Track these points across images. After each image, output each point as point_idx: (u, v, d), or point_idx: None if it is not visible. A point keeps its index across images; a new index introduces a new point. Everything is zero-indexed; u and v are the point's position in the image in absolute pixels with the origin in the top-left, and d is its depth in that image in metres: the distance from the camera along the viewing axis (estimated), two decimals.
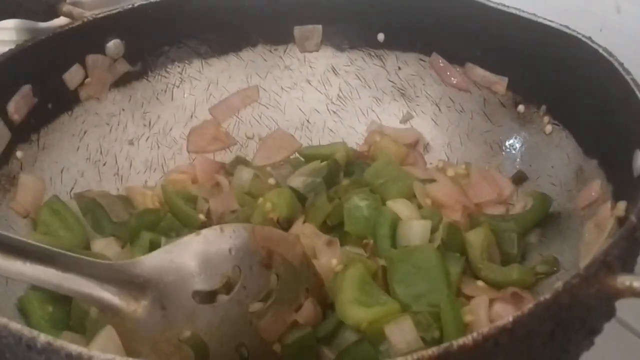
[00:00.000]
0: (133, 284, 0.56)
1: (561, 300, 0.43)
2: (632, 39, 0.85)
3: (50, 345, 0.41)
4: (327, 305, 0.64)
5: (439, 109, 0.83)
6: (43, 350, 0.41)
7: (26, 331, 0.42)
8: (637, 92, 0.59)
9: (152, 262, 0.58)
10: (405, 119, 0.85)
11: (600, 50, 0.64)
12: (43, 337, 0.42)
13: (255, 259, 0.62)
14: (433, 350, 0.40)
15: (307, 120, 0.87)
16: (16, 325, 0.43)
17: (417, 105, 0.85)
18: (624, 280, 0.44)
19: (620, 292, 0.44)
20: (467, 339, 0.41)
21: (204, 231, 0.61)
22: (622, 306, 0.48)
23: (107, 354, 0.41)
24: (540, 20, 0.71)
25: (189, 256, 0.59)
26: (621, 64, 0.62)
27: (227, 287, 0.61)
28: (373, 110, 0.87)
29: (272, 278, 0.62)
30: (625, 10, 0.88)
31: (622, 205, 0.56)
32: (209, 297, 0.60)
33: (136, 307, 0.56)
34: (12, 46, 0.74)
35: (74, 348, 0.41)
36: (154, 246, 0.70)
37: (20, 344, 0.42)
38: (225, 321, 0.59)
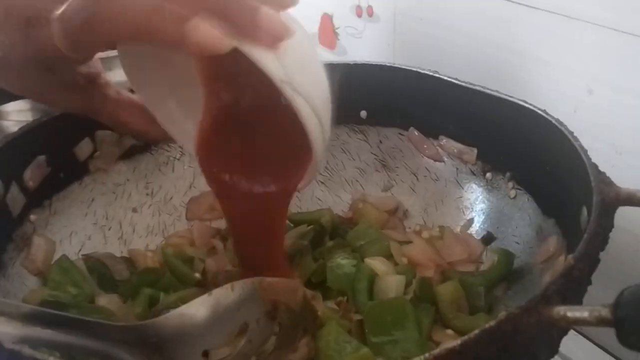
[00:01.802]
0: (146, 344, 0.58)
1: (504, 328, 0.49)
2: (603, 118, 0.92)
3: None
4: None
5: (417, 178, 0.90)
6: None
7: (38, 356, 0.49)
8: (583, 156, 0.65)
9: (165, 323, 0.60)
10: (386, 188, 0.92)
11: (554, 121, 0.71)
12: None
13: (261, 312, 0.65)
14: None
15: (297, 190, 0.94)
16: (29, 351, 0.49)
17: (397, 175, 0.92)
18: (559, 311, 0.50)
19: (556, 321, 0.50)
20: (419, 359, 0.47)
21: (216, 291, 0.63)
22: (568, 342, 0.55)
23: None
24: (501, 96, 0.78)
25: (201, 317, 0.61)
26: (571, 133, 0.69)
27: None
28: (357, 180, 0.94)
29: (275, 327, 0.66)
30: (596, 93, 0.94)
31: (570, 257, 0.62)
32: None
33: None
34: None
35: None
36: (153, 301, 0.76)
37: None
38: None
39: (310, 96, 0.57)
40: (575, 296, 0.56)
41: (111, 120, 0.72)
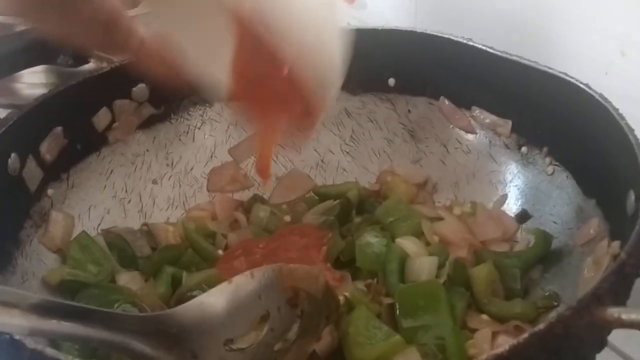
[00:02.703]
0: (166, 335, 0.56)
1: (555, 331, 0.47)
2: (636, 81, 0.88)
3: None
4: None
5: (447, 150, 0.87)
6: None
7: (61, 356, 0.46)
8: (630, 136, 0.62)
9: (185, 313, 0.58)
10: (415, 160, 0.89)
11: (597, 97, 0.68)
12: None
13: (282, 299, 0.63)
14: None
15: (322, 161, 0.91)
16: (52, 351, 0.47)
17: (426, 146, 0.88)
18: (613, 313, 0.47)
19: (609, 323, 0.48)
20: None
21: (236, 279, 0.61)
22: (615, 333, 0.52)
23: None
24: (540, 67, 0.74)
25: (221, 306, 0.59)
26: (616, 110, 0.65)
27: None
28: (384, 151, 0.90)
29: (296, 315, 0.64)
30: (629, 55, 0.91)
31: (616, 244, 0.59)
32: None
33: (168, 358, 0.55)
34: (43, 90, 0.78)
35: None
36: (175, 280, 0.74)
37: None
38: None
39: None
40: (625, 292, 0.53)
41: (136, 56, 0.69)
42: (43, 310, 0.50)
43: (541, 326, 0.46)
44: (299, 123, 0.67)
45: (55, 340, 0.65)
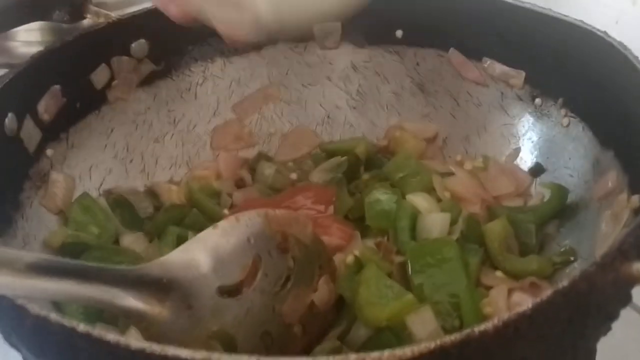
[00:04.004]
0: (156, 286, 0.55)
1: (578, 288, 0.45)
2: None
3: (90, 335, 0.43)
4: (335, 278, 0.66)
5: (457, 103, 0.84)
6: (82, 339, 0.43)
7: (66, 322, 0.44)
8: None
9: (173, 262, 0.57)
10: (424, 114, 0.86)
11: (615, 44, 0.65)
12: (82, 327, 0.44)
13: (272, 244, 0.62)
14: (455, 337, 0.42)
15: (328, 116, 0.89)
16: (56, 316, 0.45)
17: (436, 99, 0.86)
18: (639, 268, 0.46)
19: (635, 278, 0.46)
20: (487, 325, 0.42)
21: (221, 223, 0.61)
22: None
23: (143, 342, 0.43)
24: (555, 14, 0.72)
25: (209, 252, 0.58)
26: (635, 57, 0.63)
27: (249, 277, 0.61)
28: (392, 106, 0.88)
29: (289, 261, 0.63)
30: None
31: (636, 198, 0.58)
32: (233, 290, 0.60)
33: (161, 310, 0.54)
34: (39, 47, 0.76)
35: (112, 337, 0.43)
36: (181, 240, 0.71)
37: (61, 334, 0.44)
38: (250, 312, 0.59)
39: None
40: None
41: None
42: (32, 269, 0.49)
43: (565, 283, 0.44)
44: None
45: (57, 304, 0.64)
